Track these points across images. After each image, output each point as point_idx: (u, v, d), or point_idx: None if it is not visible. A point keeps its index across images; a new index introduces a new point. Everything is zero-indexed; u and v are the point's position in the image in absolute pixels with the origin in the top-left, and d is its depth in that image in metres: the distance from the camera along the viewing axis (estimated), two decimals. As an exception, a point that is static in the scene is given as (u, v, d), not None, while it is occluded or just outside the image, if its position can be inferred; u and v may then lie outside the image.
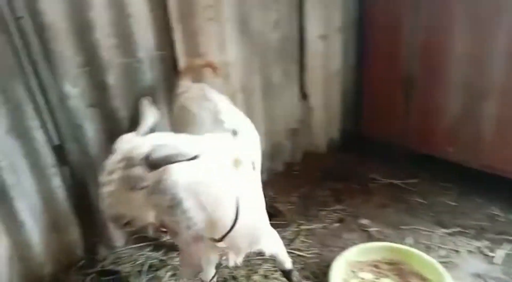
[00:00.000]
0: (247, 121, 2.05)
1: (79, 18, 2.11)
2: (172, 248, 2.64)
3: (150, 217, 1.35)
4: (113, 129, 2.38)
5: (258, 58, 3.02)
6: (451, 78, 2.89)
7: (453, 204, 2.93)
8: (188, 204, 1.32)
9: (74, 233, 2.52)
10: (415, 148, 3.34)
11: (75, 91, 2.24)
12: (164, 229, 1.46)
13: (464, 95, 2.87)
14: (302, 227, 2.83)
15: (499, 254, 2.40)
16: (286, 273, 2.12)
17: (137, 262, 2.62)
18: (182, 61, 2.56)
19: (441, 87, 2.98)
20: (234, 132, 1.71)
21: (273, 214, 3.00)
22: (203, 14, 2.55)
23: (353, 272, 2.27)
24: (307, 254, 2.57)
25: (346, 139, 3.92)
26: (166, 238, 2.59)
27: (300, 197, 3.22)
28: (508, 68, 2.58)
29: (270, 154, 3.46)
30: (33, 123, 2.17)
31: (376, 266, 2.30)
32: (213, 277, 1.84)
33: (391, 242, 2.48)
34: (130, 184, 1.25)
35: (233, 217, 1.45)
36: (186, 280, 1.98)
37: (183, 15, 2.47)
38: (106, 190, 1.27)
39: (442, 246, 2.52)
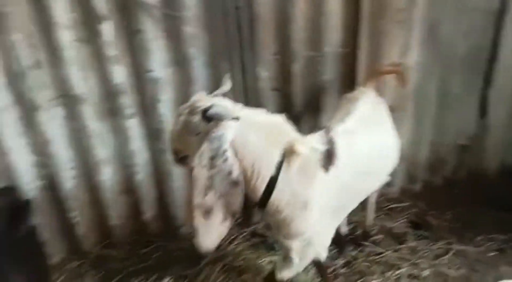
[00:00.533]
0: (385, 131, 2.18)
1: (282, 12, 2.43)
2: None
3: (195, 161, 1.53)
4: (289, 112, 2.65)
5: (439, 66, 2.92)
6: None
7: None
8: (229, 154, 1.52)
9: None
10: None
11: (265, 75, 2.59)
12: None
13: None
14: (453, 246, 2.70)
15: None
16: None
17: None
18: (362, 60, 2.67)
19: None
20: (328, 131, 1.83)
21: (422, 226, 2.94)
22: (393, 16, 2.60)
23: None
24: (453, 273, 2.47)
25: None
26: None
27: (455, 216, 3.04)
28: None
29: (431, 166, 3.33)
30: (227, 95, 2.59)
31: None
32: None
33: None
34: (189, 129, 1.55)
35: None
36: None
37: (373, 16, 2.57)
38: (173, 128, 1.62)
39: None
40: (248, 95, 2.56)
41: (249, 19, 2.36)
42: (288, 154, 1.63)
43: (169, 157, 1.83)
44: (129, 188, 2.69)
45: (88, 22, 2.18)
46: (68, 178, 2.51)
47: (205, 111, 1.51)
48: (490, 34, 2.92)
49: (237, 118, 1.52)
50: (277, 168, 1.62)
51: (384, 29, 2.63)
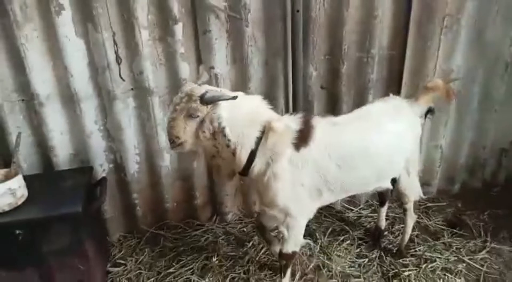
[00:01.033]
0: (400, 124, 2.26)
1: (336, 15, 2.61)
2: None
3: (197, 143, 1.87)
4: (334, 110, 2.84)
5: (482, 70, 3.02)
6: None
7: None
8: (228, 130, 1.82)
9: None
10: None
11: (315, 73, 2.78)
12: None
13: None
14: (487, 244, 2.81)
15: None
16: None
17: (322, 225, 3.09)
18: (408, 63, 2.82)
19: None
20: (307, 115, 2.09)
21: (457, 224, 3.05)
22: (441, 21, 2.73)
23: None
24: (487, 268, 2.59)
25: None
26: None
27: (492, 217, 3.14)
28: None
29: (470, 167, 3.43)
30: (279, 93, 2.80)
31: None
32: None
33: None
34: (189, 112, 1.80)
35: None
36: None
37: (421, 21, 2.71)
38: (171, 116, 1.85)
39: None
40: (297, 92, 2.74)
41: (305, 22, 2.55)
42: (267, 130, 1.90)
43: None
44: (185, 175, 2.93)
45: (163, 23, 2.43)
46: (133, 162, 2.77)
47: (202, 96, 1.77)
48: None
49: (234, 98, 1.76)
50: (256, 142, 1.90)
51: (431, 34, 2.76)
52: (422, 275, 2.53)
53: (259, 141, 1.90)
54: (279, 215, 2.07)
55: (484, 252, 2.74)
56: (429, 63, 2.85)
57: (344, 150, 2.04)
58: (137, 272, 2.63)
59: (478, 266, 2.61)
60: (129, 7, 2.33)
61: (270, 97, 2.75)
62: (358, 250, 2.80)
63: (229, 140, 1.84)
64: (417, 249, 2.78)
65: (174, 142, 1.88)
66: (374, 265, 2.66)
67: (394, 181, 2.43)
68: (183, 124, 1.83)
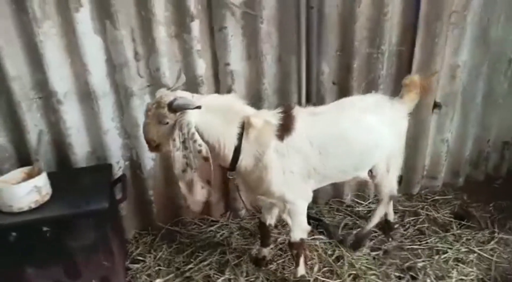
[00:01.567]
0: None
1: (348, 12, 2.67)
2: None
3: (170, 146, 1.89)
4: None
5: (487, 65, 3.11)
6: None
7: None
8: (197, 136, 1.85)
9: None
10: None
11: (327, 69, 2.83)
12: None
13: None
14: (495, 234, 2.89)
15: None
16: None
17: (335, 219, 3.14)
18: (417, 58, 2.88)
19: None
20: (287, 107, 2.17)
21: (464, 216, 3.12)
22: (448, 18, 2.80)
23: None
24: (496, 258, 2.67)
25: None
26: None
27: (497, 208, 3.22)
28: None
29: (473, 161, 3.53)
30: (292, 89, 2.84)
31: None
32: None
33: None
34: (158, 119, 1.87)
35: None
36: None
37: (429, 18, 2.78)
38: (144, 121, 1.95)
39: None
40: (310, 88, 2.79)
41: (318, 19, 2.60)
42: (247, 126, 1.97)
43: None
44: (199, 171, 2.95)
45: (180, 19, 2.45)
46: (149, 159, 2.79)
47: (170, 104, 1.83)
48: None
49: (199, 107, 1.82)
50: (238, 139, 1.97)
51: (439, 30, 2.83)
52: (436, 266, 2.60)
53: (240, 136, 1.98)
54: (278, 203, 2.19)
55: (493, 242, 2.81)
56: (436, 59, 2.91)
57: (323, 137, 2.13)
58: (156, 268, 2.64)
59: (488, 256, 2.69)
60: (146, 4, 2.35)
61: (283, 92, 2.82)
62: (371, 243, 2.85)
63: (200, 145, 1.86)
64: (428, 240, 2.85)
65: (150, 144, 2.00)
66: (387, 257, 2.71)
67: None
68: (156, 129, 1.93)
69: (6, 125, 2.46)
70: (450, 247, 2.78)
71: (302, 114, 2.13)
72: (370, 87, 2.92)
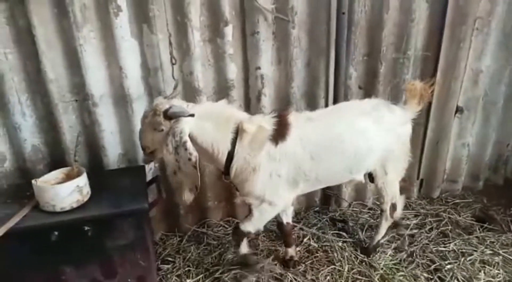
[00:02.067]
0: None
1: (376, 18, 2.72)
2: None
3: (164, 150, 1.96)
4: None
5: (509, 70, 3.15)
6: None
7: None
8: (189, 145, 1.92)
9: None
10: None
11: (354, 74, 2.88)
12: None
13: None
14: (520, 237, 2.92)
15: None
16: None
17: (358, 222, 3.18)
18: (442, 63, 2.93)
19: None
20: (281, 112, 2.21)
21: (485, 220, 3.15)
22: (472, 24, 2.86)
23: None
24: (524, 260, 2.69)
25: None
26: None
27: (519, 212, 3.26)
28: None
29: (493, 165, 3.57)
30: (320, 93, 2.89)
31: None
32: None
33: None
34: (154, 126, 1.97)
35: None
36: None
37: (455, 23, 2.83)
38: (141, 128, 2.06)
39: None
40: (338, 92, 2.83)
41: (348, 24, 2.64)
42: (240, 131, 2.04)
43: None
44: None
45: (215, 24, 2.50)
46: (178, 161, 2.82)
47: (166, 111, 1.93)
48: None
49: (192, 115, 1.92)
50: (232, 143, 2.05)
51: (463, 35, 2.89)
52: (462, 267, 2.63)
53: (234, 141, 2.05)
54: (255, 202, 2.22)
55: (518, 246, 2.84)
56: (460, 64, 2.97)
57: (316, 142, 2.16)
58: (186, 269, 2.67)
59: (515, 259, 2.71)
60: (183, 9, 2.40)
61: (311, 96, 2.86)
62: (395, 244, 2.88)
63: (190, 154, 1.93)
64: (452, 243, 2.88)
65: (145, 150, 2.11)
66: (414, 259, 2.73)
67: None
68: (151, 135, 2.03)
69: (42, 127, 2.50)
70: (475, 249, 2.81)
71: (298, 120, 2.18)
72: (395, 91, 2.97)
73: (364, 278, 2.54)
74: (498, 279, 2.53)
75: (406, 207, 3.35)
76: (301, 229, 3.07)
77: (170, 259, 2.78)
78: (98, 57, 2.40)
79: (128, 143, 2.65)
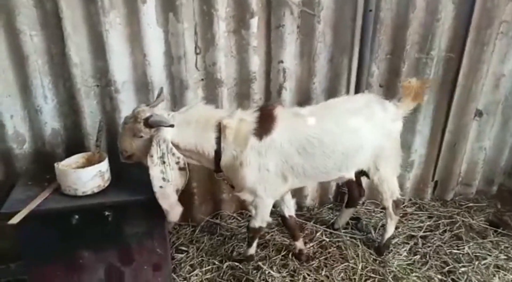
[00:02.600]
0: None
1: (401, 17, 2.71)
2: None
3: (143, 156, 2.06)
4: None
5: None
6: None
7: None
8: (175, 150, 2.01)
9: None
10: None
11: (376, 72, 2.86)
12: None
13: None
14: (534, 242, 2.91)
15: None
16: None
17: (371, 220, 3.17)
18: (465, 65, 2.90)
19: None
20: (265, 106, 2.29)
21: (499, 224, 3.14)
22: (497, 27, 2.83)
23: None
24: (538, 267, 2.68)
25: None
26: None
27: (534, 217, 3.24)
28: None
29: (508, 170, 3.55)
30: (341, 89, 2.87)
31: None
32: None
33: None
34: (133, 132, 2.03)
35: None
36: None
37: (480, 26, 2.80)
38: (121, 132, 2.11)
39: None
40: (358, 89, 2.82)
41: (374, 22, 2.62)
42: (222, 128, 2.08)
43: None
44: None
45: (240, 15, 2.49)
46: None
47: (146, 119, 1.98)
48: None
49: (172, 126, 1.97)
50: (217, 142, 2.10)
51: (487, 38, 2.86)
52: (477, 271, 2.61)
53: (219, 140, 2.09)
54: (249, 197, 2.25)
55: (534, 251, 2.83)
56: (483, 67, 2.94)
57: (303, 138, 2.15)
58: (199, 258, 2.68)
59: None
60: (210, -1, 2.39)
61: (331, 92, 2.85)
62: (408, 245, 2.87)
63: (178, 157, 2.02)
64: (466, 246, 2.86)
65: (123, 153, 2.16)
66: (427, 260, 2.72)
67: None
68: (130, 140, 2.08)
69: (63, 111, 2.50)
70: (489, 253, 2.80)
71: (284, 114, 2.18)
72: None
73: (378, 276, 2.54)
74: (513, 284, 2.52)
75: (419, 208, 3.35)
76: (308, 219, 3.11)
77: (183, 248, 2.79)
78: (122, 43, 2.39)
79: (147, 131, 2.64)
